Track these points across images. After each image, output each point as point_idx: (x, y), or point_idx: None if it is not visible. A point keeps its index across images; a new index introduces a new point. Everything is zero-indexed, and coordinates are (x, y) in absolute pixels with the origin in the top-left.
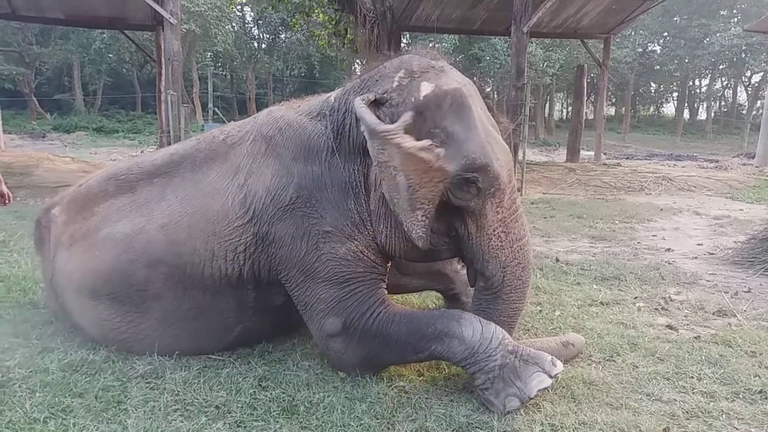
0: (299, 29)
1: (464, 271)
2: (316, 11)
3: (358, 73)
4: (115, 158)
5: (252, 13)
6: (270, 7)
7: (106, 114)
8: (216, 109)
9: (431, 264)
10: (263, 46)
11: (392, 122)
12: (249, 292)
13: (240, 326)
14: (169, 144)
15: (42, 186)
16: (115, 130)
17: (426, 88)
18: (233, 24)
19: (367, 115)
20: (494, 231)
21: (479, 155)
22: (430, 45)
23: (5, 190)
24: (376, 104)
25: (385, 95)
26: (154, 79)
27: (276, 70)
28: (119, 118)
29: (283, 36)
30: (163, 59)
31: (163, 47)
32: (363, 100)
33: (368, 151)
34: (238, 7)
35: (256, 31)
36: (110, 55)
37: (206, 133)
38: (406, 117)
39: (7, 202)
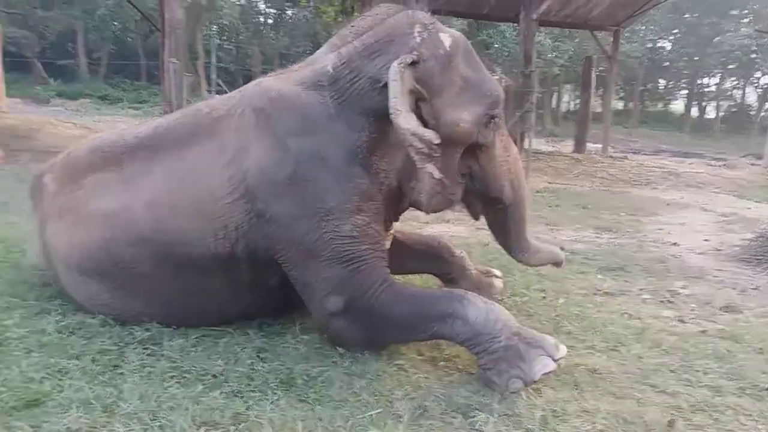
0: (306, 5)
1: (461, 254)
2: None
3: (346, 38)
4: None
5: None
6: None
7: (110, 83)
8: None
9: (428, 246)
10: (269, 21)
11: (429, 77)
12: (243, 271)
13: (236, 306)
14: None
15: (44, 150)
16: (120, 99)
17: (446, 38)
18: None
19: (412, 125)
20: (502, 157)
21: (497, 90)
22: None
23: None
24: (414, 65)
25: (416, 53)
26: (159, 49)
27: (282, 46)
28: (124, 87)
29: (289, 12)
30: (166, 28)
31: (166, 15)
32: (401, 63)
33: (378, 112)
34: None
35: (263, 5)
36: (115, 23)
37: (191, 106)
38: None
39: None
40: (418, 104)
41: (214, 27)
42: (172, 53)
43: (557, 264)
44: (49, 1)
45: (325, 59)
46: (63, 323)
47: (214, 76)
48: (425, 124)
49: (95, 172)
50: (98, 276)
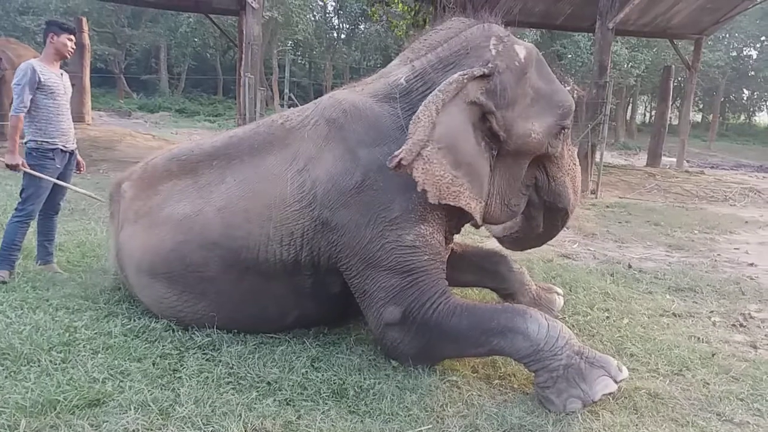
0: (378, 19)
1: (520, 269)
2: (396, 1)
3: (419, 51)
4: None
5: (333, 3)
6: None
7: (188, 96)
8: (292, 95)
9: (487, 259)
10: (342, 36)
11: (503, 90)
12: (306, 278)
13: (296, 312)
14: None
15: (123, 160)
16: (197, 112)
17: (521, 51)
18: (314, 13)
19: (419, 137)
20: (569, 166)
21: (568, 101)
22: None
23: (79, 158)
24: (485, 77)
25: (490, 65)
26: (236, 64)
27: (353, 61)
28: (201, 101)
29: (362, 26)
30: (244, 43)
31: (244, 31)
32: (467, 76)
33: None
34: None
35: (336, 20)
36: (195, 39)
37: (266, 117)
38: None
39: (81, 169)
40: (486, 116)
41: (290, 42)
42: (247, 68)
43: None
44: (136, 19)
45: (398, 72)
46: (128, 326)
47: (286, 90)
48: (495, 137)
49: (171, 179)
50: (167, 279)
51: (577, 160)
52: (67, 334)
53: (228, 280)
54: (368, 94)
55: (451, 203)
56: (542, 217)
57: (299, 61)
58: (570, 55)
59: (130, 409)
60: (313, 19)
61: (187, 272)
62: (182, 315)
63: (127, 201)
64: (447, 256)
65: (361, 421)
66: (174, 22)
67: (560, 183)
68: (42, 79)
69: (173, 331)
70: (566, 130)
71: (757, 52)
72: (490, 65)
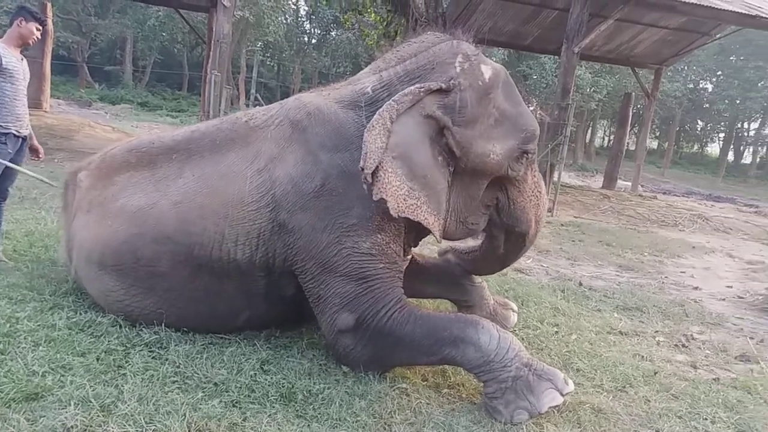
0: (350, 27)
1: (480, 282)
2: (369, 10)
3: (389, 62)
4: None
5: (306, 8)
6: (324, 2)
7: (152, 90)
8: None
9: (447, 272)
10: (313, 41)
11: (462, 107)
12: (259, 279)
13: (248, 313)
14: None
15: (80, 150)
16: (159, 107)
17: (487, 71)
18: (286, 16)
19: (375, 145)
20: (533, 192)
21: (534, 127)
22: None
23: (37, 144)
24: (443, 92)
25: (452, 81)
26: (203, 61)
27: (323, 66)
28: (164, 96)
29: (333, 33)
30: (213, 41)
31: (214, 29)
32: (424, 89)
33: None
34: (293, 0)
35: (308, 25)
36: (163, 34)
37: (231, 114)
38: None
39: (40, 156)
40: (444, 132)
41: (259, 43)
42: (215, 65)
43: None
44: (103, 8)
45: (366, 80)
46: (74, 320)
47: (253, 90)
48: (450, 152)
49: (129, 170)
50: (116, 272)
51: (544, 190)
52: (8, 325)
53: (179, 277)
54: (334, 99)
55: (410, 217)
56: (503, 238)
57: (268, 63)
58: (535, 76)
59: (70, 405)
60: (284, 21)
61: (138, 266)
62: (130, 310)
63: (83, 190)
64: (405, 266)
65: (309, 425)
66: (142, 14)
67: (520, 207)
68: (3, 62)
69: (120, 326)
70: (529, 155)
71: (712, 86)
72: (451, 82)
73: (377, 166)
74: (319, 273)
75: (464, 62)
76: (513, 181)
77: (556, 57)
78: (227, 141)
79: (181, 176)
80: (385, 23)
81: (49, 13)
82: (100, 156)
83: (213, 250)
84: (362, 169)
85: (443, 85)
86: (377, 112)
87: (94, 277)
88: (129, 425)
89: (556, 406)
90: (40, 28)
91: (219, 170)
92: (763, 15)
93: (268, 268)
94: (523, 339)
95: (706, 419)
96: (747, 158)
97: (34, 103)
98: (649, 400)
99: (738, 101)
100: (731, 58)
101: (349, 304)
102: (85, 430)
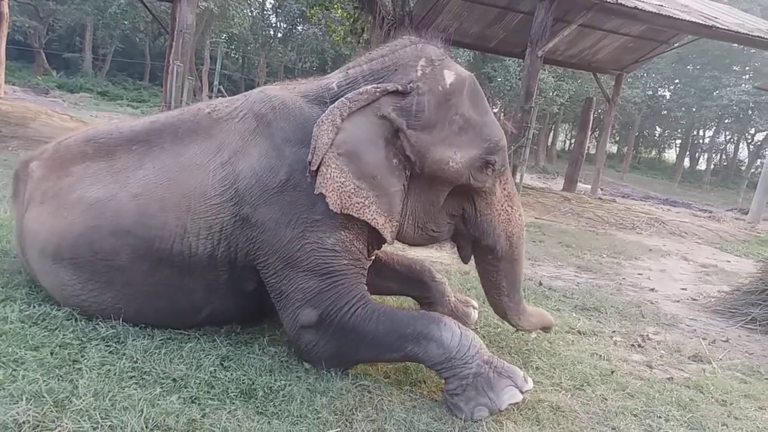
0: (317, 22)
1: (442, 279)
2: (336, 6)
3: (360, 61)
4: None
5: (272, 1)
6: None
7: (112, 79)
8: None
9: (410, 269)
10: (279, 35)
11: (419, 111)
12: (221, 273)
13: (209, 308)
14: None
15: (35, 139)
16: (120, 97)
17: (449, 76)
18: (252, 9)
19: (323, 141)
20: (502, 206)
21: (498, 138)
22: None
23: None
24: (400, 94)
25: (411, 84)
26: (166, 51)
27: (288, 61)
28: (125, 86)
29: (300, 28)
30: (176, 31)
31: (177, 19)
32: (379, 89)
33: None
34: None
35: (274, 18)
36: (125, 22)
37: (193, 105)
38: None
39: None
40: (398, 135)
41: (224, 35)
42: (177, 56)
43: (547, 329)
44: None
45: (333, 77)
46: (27, 313)
47: (216, 82)
48: (404, 156)
49: (85, 161)
50: (72, 265)
51: (518, 205)
52: None
53: (138, 271)
54: (299, 93)
55: (355, 215)
56: (470, 249)
57: (232, 55)
58: (500, 79)
59: (22, 400)
60: (250, 14)
61: (96, 259)
62: (86, 304)
63: (35, 181)
64: (368, 265)
65: (269, 422)
66: (103, 1)
67: (486, 219)
68: None
69: (76, 320)
70: (494, 166)
71: (670, 93)
72: (410, 84)
73: (321, 161)
74: (282, 268)
75: (426, 66)
76: (480, 192)
77: (521, 60)
78: (189, 133)
79: (141, 168)
80: (351, 20)
81: None
82: (53, 146)
83: (174, 244)
84: (309, 163)
85: (400, 87)
86: (328, 108)
87: (48, 270)
88: (84, 421)
89: (516, 403)
90: None
91: (181, 162)
92: (719, 26)
93: (230, 263)
94: (484, 337)
95: (660, 417)
96: (702, 165)
97: None
98: (606, 399)
99: (694, 109)
100: (688, 67)
101: (312, 300)
102: (38, 425)
